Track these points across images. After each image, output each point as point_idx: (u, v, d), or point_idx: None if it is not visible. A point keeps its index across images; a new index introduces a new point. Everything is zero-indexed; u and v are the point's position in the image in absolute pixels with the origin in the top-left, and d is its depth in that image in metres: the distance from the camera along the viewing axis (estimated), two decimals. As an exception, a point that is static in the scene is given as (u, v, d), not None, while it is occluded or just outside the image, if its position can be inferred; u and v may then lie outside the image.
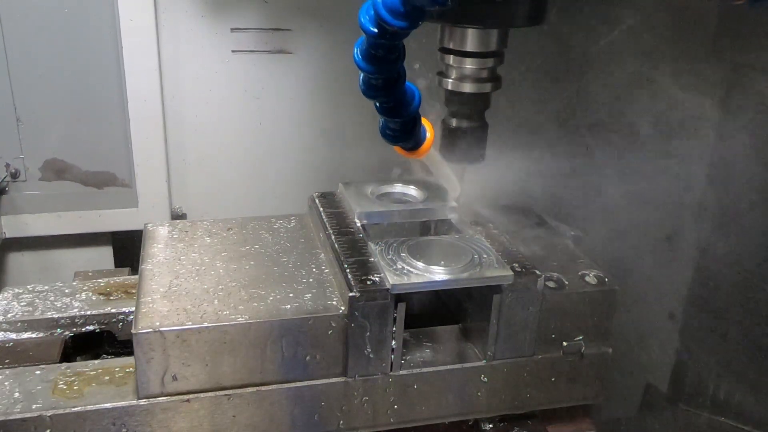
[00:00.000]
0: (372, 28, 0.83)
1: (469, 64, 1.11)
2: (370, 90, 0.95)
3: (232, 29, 1.49)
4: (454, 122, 1.17)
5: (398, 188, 1.30)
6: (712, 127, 1.57)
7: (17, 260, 1.60)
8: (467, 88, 1.13)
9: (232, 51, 1.51)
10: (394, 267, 1.06)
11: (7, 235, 1.54)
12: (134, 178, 1.53)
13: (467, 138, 1.17)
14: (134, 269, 1.52)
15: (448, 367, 1.10)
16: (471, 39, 1.10)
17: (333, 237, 1.16)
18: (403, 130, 1.05)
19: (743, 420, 1.53)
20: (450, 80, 1.14)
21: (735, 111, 1.50)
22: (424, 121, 1.10)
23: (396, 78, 0.94)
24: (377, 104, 0.99)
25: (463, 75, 1.13)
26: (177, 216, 1.59)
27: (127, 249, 1.59)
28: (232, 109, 1.56)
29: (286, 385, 1.04)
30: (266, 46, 1.53)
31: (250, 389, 1.03)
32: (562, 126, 1.69)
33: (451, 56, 1.12)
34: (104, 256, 1.62)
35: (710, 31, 1.51)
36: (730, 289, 1.52)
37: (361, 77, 0.94)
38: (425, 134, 1.10)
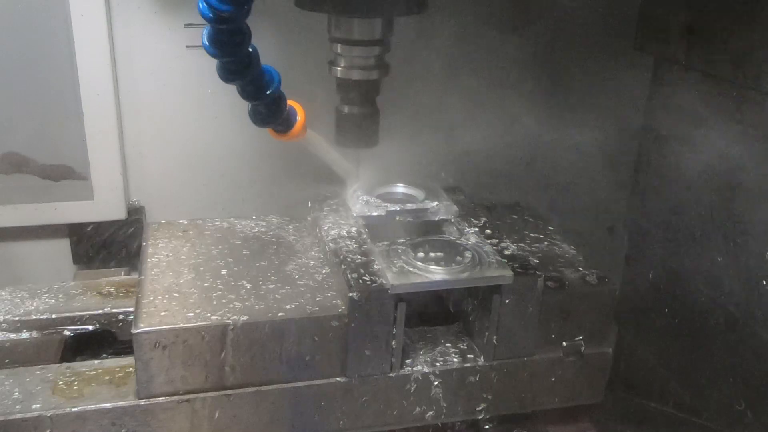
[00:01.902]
0: (208, 14, 0.87)
1: (357, 53, 1.16)
2: (225, 74, 0.99)
3: (185, 25, 1.51)
4: (346, 109, 1.22)
5: (398, 188, 1.30)
6: (639, 119, 1.59)
7: (-26, 252, 1.61)
8: (356, 75, 1.18)
9: (186, 46, 1.53)
10: (394, 267, 1.06)
11: (-36, 228, 1.54)
12: (90, 171, 1.54)
13: (360, 123, 1.22)
14: (99, 264, 1.54)
15: (448, 367, 1.10)
16: (357, 28, 1.15)
17: (333, 237, 1.16)
18: (268, 112, 1.08)
19: (675, 406, 1.55)
20: (339, 68, 1.19)
21: (658, 103, 1.52)
22: (295, 104, 1.14)
23: (247, 61, 0.98)
24: (238, 89, 1.03)
25: (351, 63, 1.17)
26: (134, 209, 1.60)
27: (85, 241, 1.59)
28: (187, 103, 1.58)
29: (286, 385, 1.04)
30: None
31: (251, 389, 1.03)
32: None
33: (339, 45, 1.17)
34: (61, 248, 1.62)
35: (633, 23, 1.54)
36: (662, 281, 1.54)
37: (217, 63, 0.98)
38: (296, 117, 1.14)
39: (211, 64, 1.53)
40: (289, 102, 1.13)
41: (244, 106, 1.57)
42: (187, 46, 1.52)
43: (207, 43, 0.93)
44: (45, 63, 1.46)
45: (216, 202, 1.64)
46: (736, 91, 1.31)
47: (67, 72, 1.46)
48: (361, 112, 1.21)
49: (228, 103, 1.58)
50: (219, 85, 1.55)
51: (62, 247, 1.61)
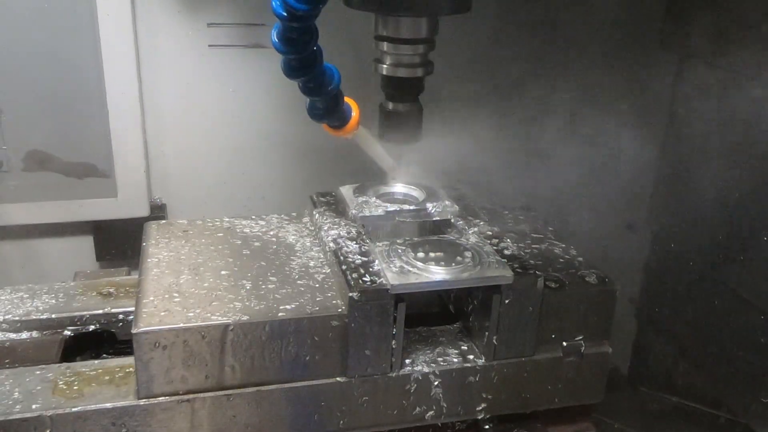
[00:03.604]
0: (282, 12, 0.90)
1: (403, 51, 1.18)
2: (290, 71, 1.01)
3: (208, 24, 1.53)
4: (390, 105, 1.23)
5: (398, 188, 1.30)
6: (663, 117, 1.60)
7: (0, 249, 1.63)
8: (401, 72, 1.20)
9: (209, 45, 1.55)
10: (394, 267, 1.06)
11: (-11, 224, 1.56)
12: (113, 169, 1.55)
13: (403, 120, 1.23)
14: (130, 265, 1.54)
15: (448, 367, 1.10)
16: (403, 26, 1.16)
17: (333, 237, 1.16)
18: (327, 108, 1.11)
19: (698, 400, 1.56)
20: (385, 66, 1.20)
21: (683, 101, 1.52)
22: (350, 101, 1.17)
23: (313, 58, 1.00)
24: (300, 84, 1.05)
25: (397, 61, 1.19)
26: (156, 206, 1.62)
27: (108, 238, 1.62)
28: (210, 102, 1.60)
29: (286, 385, 1.04)
30: (242, 40, 1.57)
31: (250, 389, 1.03)
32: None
33: (386, 43, 1.18)
34: (85, 245, 1.64)
35: (658, 21, 1.54)
36: (684, 277, 1.55)
37: (282, 59, 1.00)
38: (351, 113, 1.17)
39: (233, 63, 1.58)
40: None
41: (265, 105, 1.61)
42: (209, 45, 1.53)
43: (276, 41, 0.96)
44: (71, 62, 1.48)
45: (237, 200, 1.66)
46: (763, 90, 1.31)
47: (93, 70, 1.49)
48: (405, 108, 1.23)
49: (249, 102, 1.61)
50: (241, 85, 1.59)
51: (85, 243, 1.63)
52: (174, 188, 1.63)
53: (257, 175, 1.66)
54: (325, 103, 1.10)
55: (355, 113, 1.18)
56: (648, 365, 1.72)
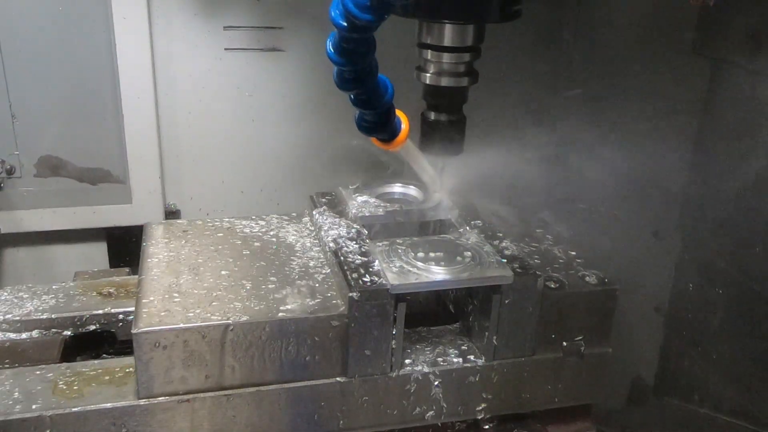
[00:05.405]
0: (342, 22, 0.86)
1: (447, 59, 1.13)
2: (343, 83, 0.98)
3: (224, 27, 1.52)
4: (432, 116, 1.19)
5: (398, 188, 1.30)
6: (694, 123, 1.59)
7: (13, 255, 1.62)
8: (445, 82, 1.15)
9: (225, 49, 1.54)
10: (394, 267, 1.06)
11: (3, 231, 1.55)
12: (128, 175, 1.55)
13: (446, 131, 1.19)
14: (132, 268, 1.54)
15: (448, 367, 1.10)
16: (448, 34, 1.12)
17: (333, 237, 1.16)
18: (377, 121, 1.07)
19: (726, 411, 1.55)
20: (428, 75, 1.16)
21: (716, 106, 1.51)
22: (399, 114, 1.13)
23: (368, 71, 0.97)
24: (352, 96, 1.02)
25: (441, 69, 1.15)
26: (170, 212, 1.61)
27: (122, 245, 1.61)
28: (225, 106, 1.59)
29: (285, 385, 1.05)
30: (258, 44, 1.56)
31: (250, 389, 1.03)
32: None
33: (429, 51, 1.14)
34: (99, 251, 1.63)
35: (691, 27, 1.53)
36: (713, 285, 1.54)
37: (335, 70, 0.97)
38: (400, 126, 1.13)
39: (249, 66, 1.57)
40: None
41: (281, 109, 1.61)
42: (225, 49, 1.53)
43: (332, 51, 0.92)
44: (85, 66, 1.48)
45: (251, 204, 1.66)
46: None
47: (108, 74, 1.49)
48: (449, 119, 1.18)
49: (265, 106, 1.60)
50: (257, 88, 1.59)
51: (99, 250, 1.63)
52: (188, 194, 1.62)
53: (272, 179, 1.65)
54: (376, 117, 1.06)
55: (404, 126, 1.13)
56: (675, 375, 1.69)
